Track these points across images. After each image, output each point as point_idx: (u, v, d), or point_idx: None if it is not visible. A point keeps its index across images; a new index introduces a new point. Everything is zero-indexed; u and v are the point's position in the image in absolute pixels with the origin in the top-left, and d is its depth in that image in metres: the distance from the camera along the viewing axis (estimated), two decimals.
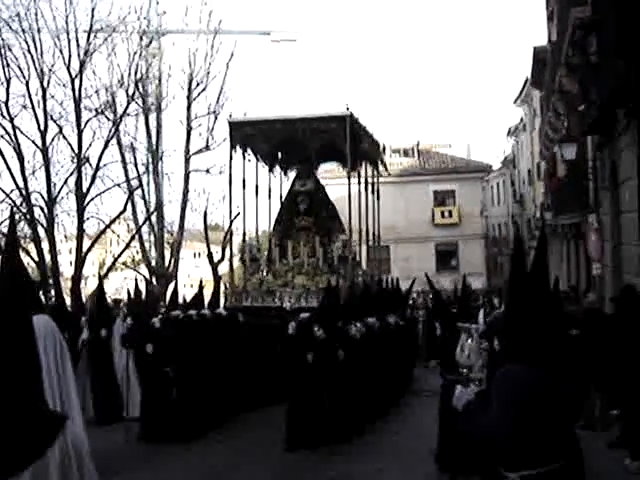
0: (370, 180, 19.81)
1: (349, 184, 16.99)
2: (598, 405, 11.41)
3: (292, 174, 19.83)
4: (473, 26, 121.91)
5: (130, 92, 28.25)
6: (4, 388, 2.61)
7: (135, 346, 12.64)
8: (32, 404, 2.68)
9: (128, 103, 28.34)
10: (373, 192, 19.85)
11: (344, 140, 16.63)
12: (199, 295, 14.78)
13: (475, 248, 46.78)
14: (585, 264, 23.27)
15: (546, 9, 28.21)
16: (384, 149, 47.38)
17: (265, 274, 17.55)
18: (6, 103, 26.46)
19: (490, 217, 51.52)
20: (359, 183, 19.42)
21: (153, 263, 30.18)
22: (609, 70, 13.85)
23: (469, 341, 5.04)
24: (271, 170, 19.79)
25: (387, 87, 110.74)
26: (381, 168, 20.66)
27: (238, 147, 17.87)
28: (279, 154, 19.68)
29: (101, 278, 16.69)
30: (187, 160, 29.55)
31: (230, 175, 17.95)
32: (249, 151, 18.28)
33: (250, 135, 17.67)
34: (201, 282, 15.42)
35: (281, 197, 19.50)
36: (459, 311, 12.46)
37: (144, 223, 30.14)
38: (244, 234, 18.51)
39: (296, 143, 17.55)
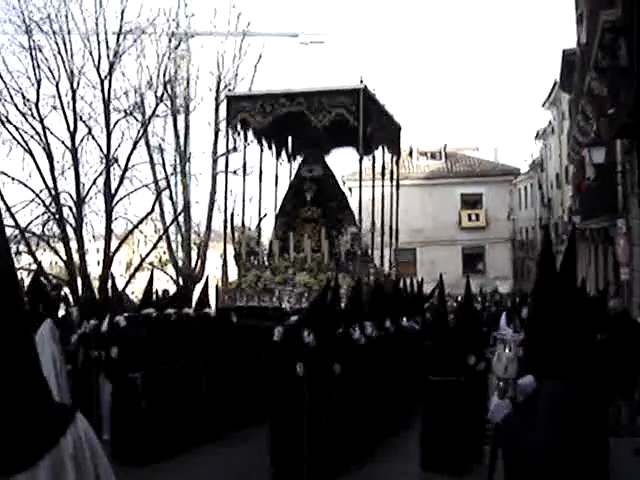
0: (388, 168, 18.29)
1: (360, 168, 15.38)
2: (624, 411, 11.33)
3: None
4: (502, 28, 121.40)
5: (159, 94, 28.40)
6: (9, 378, 2.59)
7: (100, 349, 11.26)
8: (39, 394, 2.66)
9: (157, 104, 28.49)
10: (391, 180, 18.18)
11: (356, 117, 14.72)
12: (204, 294, 14.05)
13: (502, 252, 46.55)
14: (613, 269, 23.08)
15: (575, 12, 28.03)
16: (411, 152, 47.68)
17: (263, 270, 15.52)
18: (36, 104, 26.71)
19: (517, 221, 51.23)
20: (383, 179, 17.98)
21: (180, 263, 30.31)
22: (639, 73, 13.76)
23: (506, 351, 4.90)
24: (278, 155, 18.17)
25: (414, 89, 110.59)
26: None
27: (239, 127, 16.27)
28: (288, 138, 17.96)
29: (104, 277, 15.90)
30: (214, 161, 29.65)
31: (228, 159, 17.23)
32: (251, 134, 16.78)
33: (249, 111, 15.74)
34: (207, 280, 14.81)
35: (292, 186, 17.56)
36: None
37: (171, 224, 30.27)
38: (242, 225, 16.86)
39: (302, 121, 15.59)
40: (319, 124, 15.10)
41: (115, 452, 10.13)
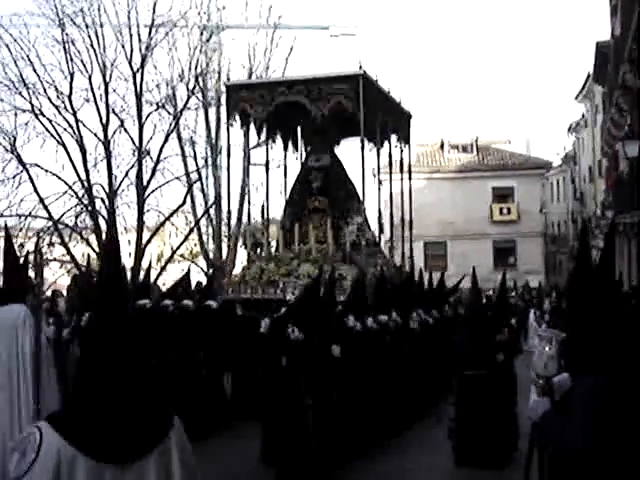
0: (398, 156, 17.83)
1: (362, 155, 14.72)
2: None
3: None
4: (534, 20, 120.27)
5: (190, 86, 28.53)
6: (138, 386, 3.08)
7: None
8: (152, 396, 3.14)
9: (188, 97, 28.63)
10: (401, 170, 17.54)
11: (356, 104, 14.34)
12: (209, 284, 13.82)
13: (534, 246, 46.24)
14: None
15: (609, 3, 27.73)
16: (442, 145, 47.51)
17: (267, 262, 15.16)
18: (69, 97, 26.96)
19: (549, 214, 50.85)
20: (402, 171, 17.51)
21: (211, 255, 30.45)
22: None
23: (547, 349, 4.86)
24: (285, 146, 17.84)
25: (446, 82, 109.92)
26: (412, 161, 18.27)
27: (238, 117, 15.92)
28: (295, 128, 17.49)
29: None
30: (245, 156, 29.74)
31: (230, 150, 16.57)
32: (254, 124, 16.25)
33: (248, 101, 15.41)
34: (214, 270, 14.47)
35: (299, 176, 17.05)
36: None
37: (202, 216, 30.41)
38: (249, 216, 16.81)
39: (302, 110, 15.13)
40: (319, 112, 14.75)
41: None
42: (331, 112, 14.68)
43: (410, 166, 17.99)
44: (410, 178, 17.67)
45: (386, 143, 17.47)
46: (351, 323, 10.16)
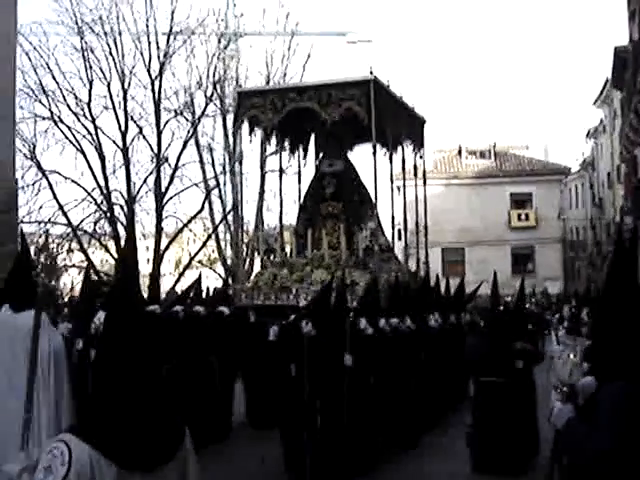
0: (420, 167, 17.58)
1: (374, 160, 14.52)
2: None
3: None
4: (552, 25, 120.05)
5: (208, 93, 28.70)
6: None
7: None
8: (166, 402, 3.18)
9: (206, 104, 28.79)
10: (415, 175, 17.38)
11: (367, 110, 14.12)
12: (221, 292, 13.66)
13: (552, 252, 46.07)
14: None
15: (627, 8, 27.61)
16: (460, 151, 47.43)
17: (280, 268, 14.90)
18: (89, 104, 27.19)
19: (568, 220, 50.65)
20: (416, 177, 17.37)
21: (229, 262, 30.54)
22: None
23: (572, 356, 4.83)
24: (292, 152, 17.55)
25: (464, 87, 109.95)
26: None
27: (247, 124, 15.65)
28: (308, 134, 17.15)
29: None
30: (263, 161, 29.85)
31: (240, 154, 17.02)
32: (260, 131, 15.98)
33: (259, 107, 15.22)
34: (226, 278, 14.22)
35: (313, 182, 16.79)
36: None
37: (220, 222, 30.50)
38: (262, 223, 16.80)
39: (312, 115, 14.95)
40: (329, 118, 14.52)
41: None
42: (343, 118, 14.53)
43: (425, 172, 17.87)
44: (425, 183, 17.54)
45: (399, 149, 17.34)
46: (362, 326, 9.89)
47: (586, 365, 4.39)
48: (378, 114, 14.29)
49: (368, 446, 9.49)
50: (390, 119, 15.15)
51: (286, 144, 17.48)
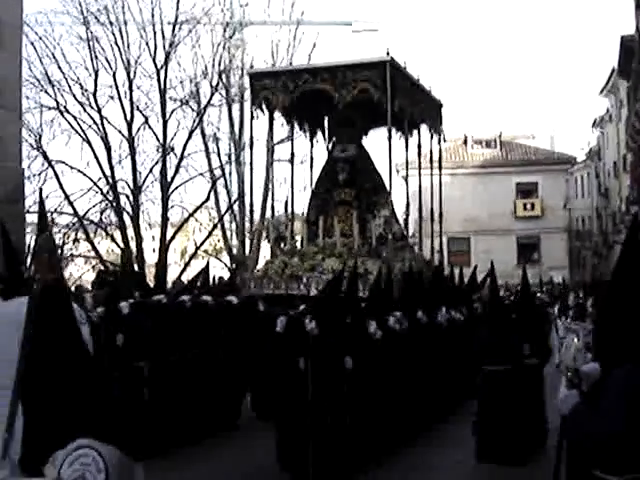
0: (436, 153, 17.31)
1: (389, 145, 14.13)
2: None
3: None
4: (558, 14, 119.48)
5: (214, 83, 28.69)
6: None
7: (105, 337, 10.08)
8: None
9: (212, 94, 28.78)
10: (431, 162, 17.09)
11: (383, 92, 13.69)
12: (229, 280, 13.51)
13: (558, 241, 45.98)
14: None
15: None
16: (466, 140, 47.32)
17: (291, 256, 14.57)
18: (94, 94, 27.22)
19: (574, 210, 50.55)
20: (432, 164, 17.10)
21: (234, 251, 30.58)
22: None
23: (575, 341, 4.86)
24: (312, 136, 17.09)
25: (469, 77, 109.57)
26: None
27: (264, 106, 15.44)
28: (323, 118, 16.74)
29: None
30: (269, 150, 29.84)
31: (252, 140, 15.96)
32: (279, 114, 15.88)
33: (271, 88, 14.87)
34: (235, 267, 14.07)
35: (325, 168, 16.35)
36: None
37: (226, 212, 30.54)
38: (272, 209, 16.42)
39: (327, 98, 14.51)
40: (343, 100, 14.16)
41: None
42: (357, 100, 14.15)
43: (440, 158, 17.49)
44: (440, 168, 17.21)
45: (415, 134, 17.01)
46: (372, 330, 9.60)
47: (590, 354, 4.42)
48: (394, 96, 13.91)
49: (372, 442, 9.38)
50: (407, 101, 14.75)
51: (297, 128, 17.23)
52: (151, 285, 11.90)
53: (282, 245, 15.14)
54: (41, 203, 7.10)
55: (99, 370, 3.07)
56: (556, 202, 46.13)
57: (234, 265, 29.58)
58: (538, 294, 25.29)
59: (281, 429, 9.14)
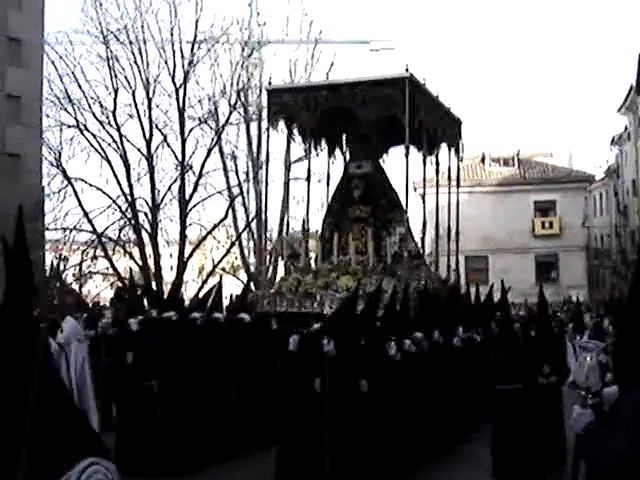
0: (454, 171, 16.91)
1: (407, 162, 14.01)
2: None
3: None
4: (576, 32, 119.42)
5: (232, 102, 28.83)
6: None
7: (114, 354, 10.46)
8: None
9: (230, 112, 28.93)
10: (449, 179, 16.73)
11: (402, 109, 13.50)
12: (241, 298, 13.32)
13: (576, 260, 45.70)
14: None
15: None
16: (483, 159, 47.23)
17: (305, 274, 14.30)
18: (114, 112, 27.42)
19: (592, 228, 50.29)
20: (450, 181, 16.79)
21: (252, 269, 30.61)
22: None
23: (588, 359, 4.82)
24: (330, 152, 16.84)
25: (487, 95, 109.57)
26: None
27: (282, 122, 15.30)
28: (340, 134, 16.54)
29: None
30: (287, 168, 29.92)
31: (268, 155, 16.05)
32: (295, 130, 15.68)
33: (293, 106, 14.67)
34: (246, 285, 13.82)
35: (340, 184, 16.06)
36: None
37: (244, 230, 30.61)
38: (287, 226, 16.83)
39: (350, 115, 14.30)
40: (365, 117, 14.03)
41: (120, 463, 9.20)
42: (377, 117, 14.03)
43: (459, 175, 17.23)
44: (458, 186, 17.01)
45: (434, 152, 16.83)
46: (392, 352, 9.42)
47: (610, 375, 4.38)
48: (415, 113, 13.81)
49: (390, 462, 9.22)
50: (428, 118, 14.61)
51: (323, 146, 16.95)
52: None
53: (296, 262, 14.92)
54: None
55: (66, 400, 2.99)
56: (575, 220, 45.90)
57: (248, 283, 29.65)
58: (558, 313, 25.17)
59: (286, 450, 8.89)
